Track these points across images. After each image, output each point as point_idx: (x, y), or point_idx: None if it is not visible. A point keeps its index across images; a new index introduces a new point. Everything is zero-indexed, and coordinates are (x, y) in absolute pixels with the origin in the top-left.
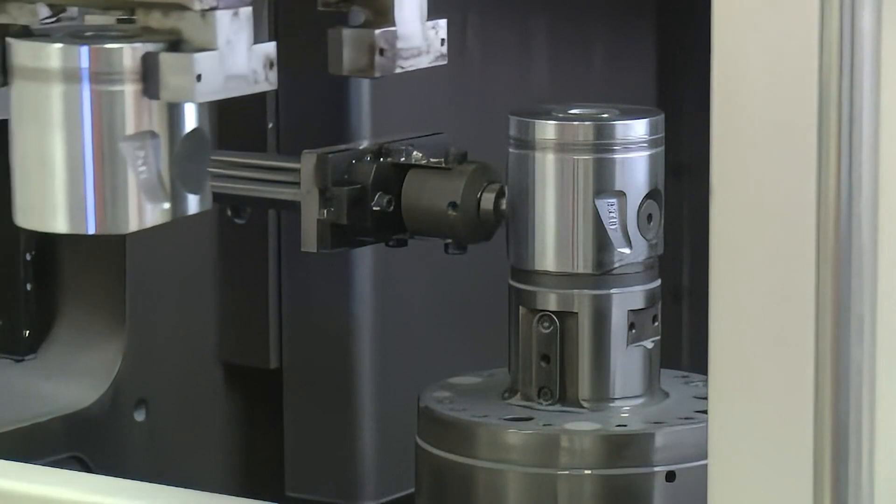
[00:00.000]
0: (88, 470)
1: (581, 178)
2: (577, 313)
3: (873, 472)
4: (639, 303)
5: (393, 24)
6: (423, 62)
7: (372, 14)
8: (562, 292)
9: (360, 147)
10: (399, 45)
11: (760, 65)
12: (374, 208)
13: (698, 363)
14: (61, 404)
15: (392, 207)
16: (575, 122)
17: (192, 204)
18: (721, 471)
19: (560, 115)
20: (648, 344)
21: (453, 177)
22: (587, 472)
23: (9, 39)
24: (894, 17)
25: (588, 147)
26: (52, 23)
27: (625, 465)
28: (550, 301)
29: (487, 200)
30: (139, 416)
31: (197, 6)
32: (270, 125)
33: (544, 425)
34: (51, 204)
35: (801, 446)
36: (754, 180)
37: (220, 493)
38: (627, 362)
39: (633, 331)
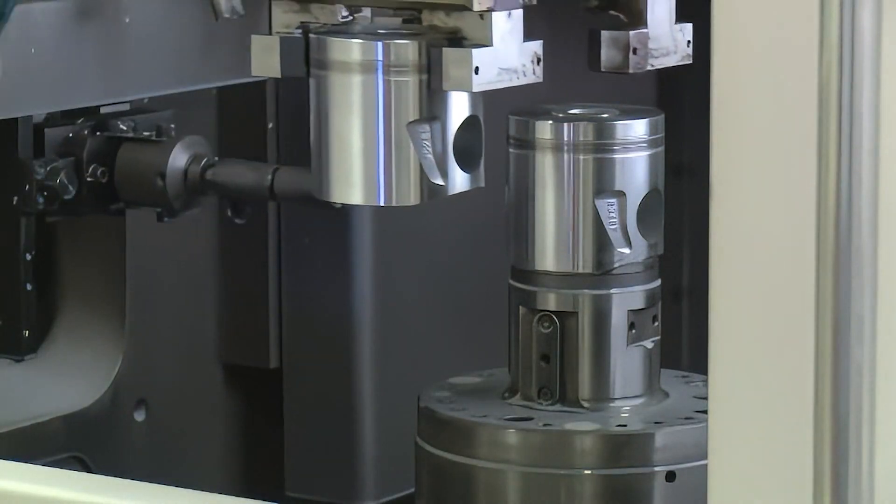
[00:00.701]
0: (88, 470)
1: (581, 178)
2: (577, 313)
3: (873, 472)
4: (639, 303)
5: (645, 25)
6: (671, 61)
7: (627, 16)
8: (562, 292)
9: (79, 121)
10: (650, 45)
11: (760, 65)
12: (89, 179)
13: (698, 363)
14: (61, 404)
15: (106, 179)
16: (575, 122)
17: (467, 181)
18: (721, 471)
19: (560, 115)
20: (648, 344)
21: (162, 149)
22: (587, 472)
23: (312, 36)
24: (894, 17)
25: (588, 147)
26: (346, 22)
27: (625, 465)
28: (550, 301)
29: (193, 172)
30: (139, 416)
31: (476, 7)
32: (270, 125)
33: (544, 425)
34: (348, 179)
35: (801, 446)
36: (754, 180)
37: (220, 493)
38: (627, 362)
39: (633, 331)
